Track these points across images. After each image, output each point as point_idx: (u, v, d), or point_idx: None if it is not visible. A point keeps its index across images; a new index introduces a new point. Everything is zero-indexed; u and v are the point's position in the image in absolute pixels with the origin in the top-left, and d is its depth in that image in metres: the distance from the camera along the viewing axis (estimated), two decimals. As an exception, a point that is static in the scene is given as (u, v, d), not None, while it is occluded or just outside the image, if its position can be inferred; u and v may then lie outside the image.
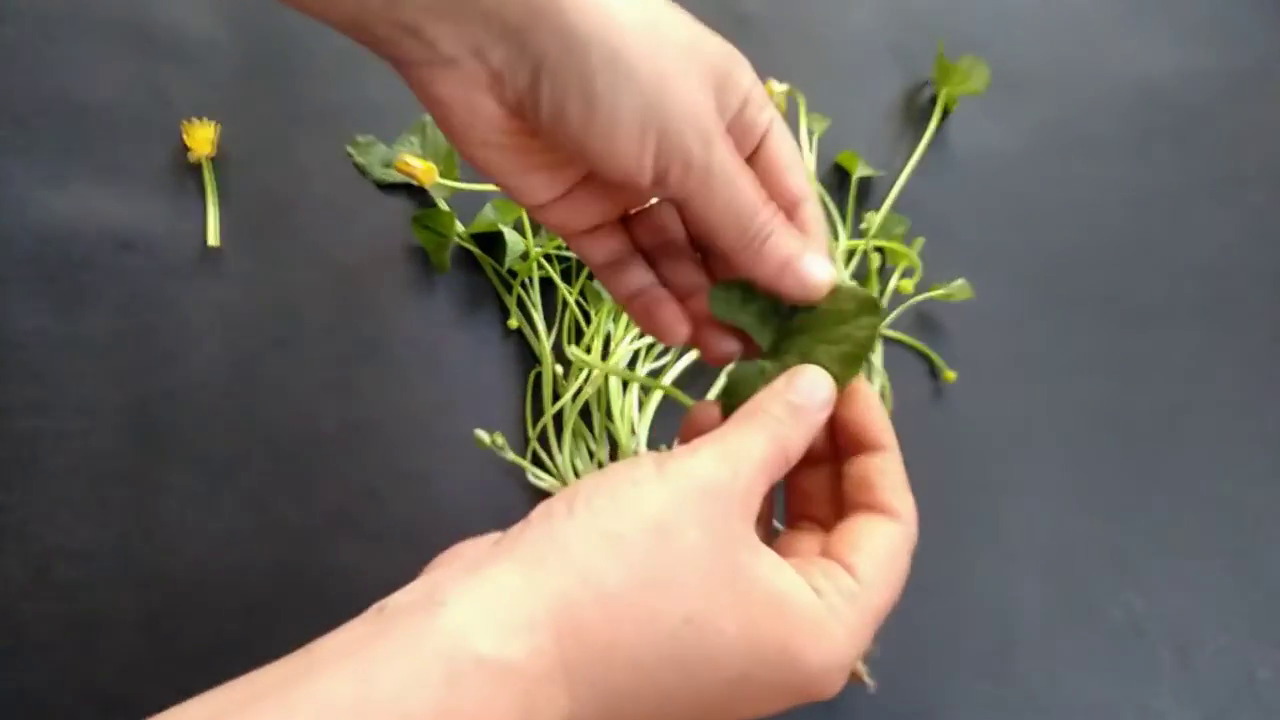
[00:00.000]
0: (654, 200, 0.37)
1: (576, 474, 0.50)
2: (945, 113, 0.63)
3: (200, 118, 0.55)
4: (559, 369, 0.52)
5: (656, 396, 0.52)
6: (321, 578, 0.48)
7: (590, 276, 0.55)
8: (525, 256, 0.54)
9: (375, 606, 0.26)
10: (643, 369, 0.52)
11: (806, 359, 0.33)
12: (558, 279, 0.54)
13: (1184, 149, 0.65)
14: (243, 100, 0.57)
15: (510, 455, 0.49)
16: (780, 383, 0.32)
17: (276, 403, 0.51)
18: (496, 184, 0.34)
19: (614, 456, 0.50)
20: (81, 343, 0.51)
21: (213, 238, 0.54)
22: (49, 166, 0.54)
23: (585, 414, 0.51)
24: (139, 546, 0.47)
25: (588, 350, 0.52)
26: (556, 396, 0.51)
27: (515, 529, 0.28)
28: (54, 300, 0.51)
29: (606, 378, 0.51)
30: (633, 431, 0.50)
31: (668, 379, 0.52)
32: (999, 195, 0.62)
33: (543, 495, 0.50)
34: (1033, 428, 0.55)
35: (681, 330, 0.36)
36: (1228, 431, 0.56)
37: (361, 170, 0.57)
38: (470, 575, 0.26)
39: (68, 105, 0.56)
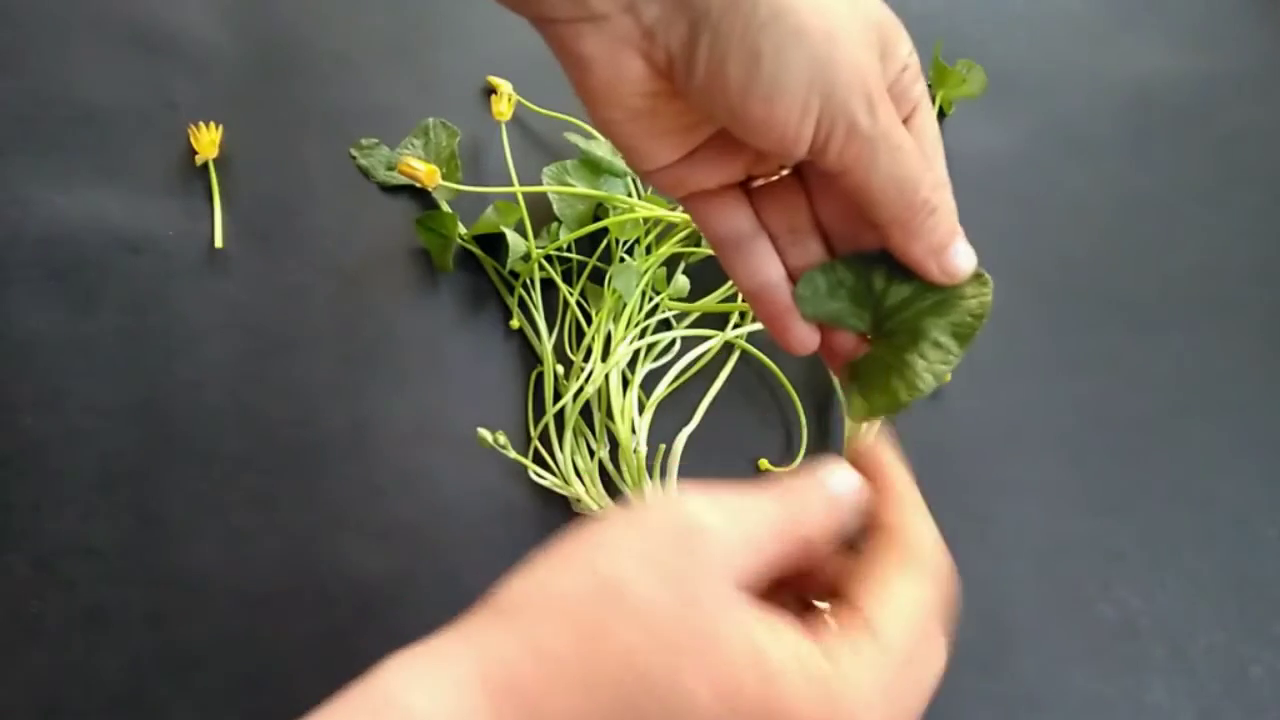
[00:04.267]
0: (783, 172, 0.34)
1: (578, 472, 0.50)
2: (942, 115, 0.63)
3: (206, 121, 0.56)
4: (560, 369, 0.53)
5: (657, 396, 0.52)
6: (325, 575, 0.48)
7: (592, 277, 0.55)
8: (527, 258, 0.54)
9: None
10: (643, 369, 0.53)
11: (917, 336, 0.32)
12: (559, 280, 0.54)
13: (1179, 151, 0.65)
14: (247, 104, 0.58)
15: (512, 454, 0.50)
16: (817, 469, 0.29)
17: (281, 402, 0.51)
18: (617, 146, 0.32)
19: (614, 455, 0.51)
20: (88, 343, 0.51)
21: (218, 239, 0.54)
22: (56, 169, 0.55)
23: (586, 413, 0.52)
24: (145, 544, 0.48)
25: (589, 351, 0.52)
26: (558, 396, 0.52)
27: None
28: (61, 301, 0.52)
29: (606, 377, 0.51)
30: (633, 430, 0.51)
31: (668, 377, 0.53)
32: (995, 197, 0.62)
33: (545, 493, 0.50)
34: (1028, 427, 0.55)
35: (813, 341, 0.34)
36: (1221, 431, 0.56)
37: (365, 173, 0.58)
38: (416, 646, 0.25)
39: (74, 108, 0.56)
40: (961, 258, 0.32)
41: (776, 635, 0.25)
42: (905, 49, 0.30)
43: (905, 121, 0.32)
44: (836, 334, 0.35)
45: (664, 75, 0.29)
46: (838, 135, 0.29)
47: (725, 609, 0.25)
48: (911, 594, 0.27)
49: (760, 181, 0.35)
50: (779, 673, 0.24)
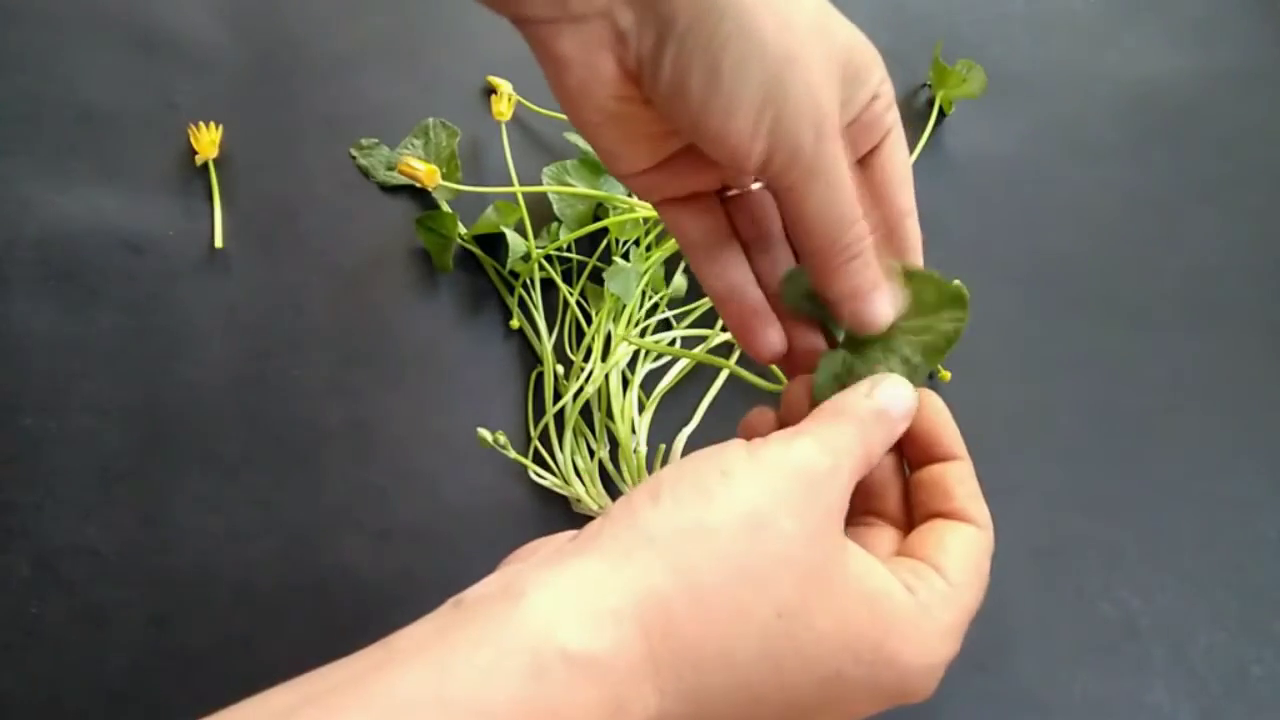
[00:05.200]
0: (755, 185, 0.35)
1: (578, 472, 0.50)
2: (942, 115, 0.63)
3: (206, 121, 0.56)
4: (560, 369, 0.53)
5: (657, 396, 0.52)
6: (326, 575, 0.48)
7: (592, 277, 0.55)
8: (527, 258, 0.54)
9: (451, 601, 0.25)
10: (643, 369, 0.53)
11: (888, 349, 0.32)
12: (559, 280, 0.54)
13: (1179, 150, 0.65)
14: (247, 104, 0.58)
15: (512, 454, 0.50)
16: (864, 386, 0.31)
17: (281, 402, 0.51)
18: (594, 148, 0.33)
19: (614, 455, 0.51)
20: (89, 343, 0.51)
21: (218, 239, 0.54)
22: (56, 169, 0.55)
23: (586, 413, 0.52)
24: (145, 544, 0.48)
25: (589, 351, 0.52)
26: (558, 396, 0.52)
27: (595, 523, 0.26)
28: (61, 301, 0.52)
29: (606, 377, 0.51)
30: (633, 430, 0.51)
31: (667, 378, 0.53)
32: (995, 197, 0.62)
33: (545, 493, 0.51)
34: (1027, 426, 0.55)
35: (777, 345, 0.35)
36: (1221, 430, 0.56)
37: (365, 173, 0.58)
38: (551, 566, 0.25)
39: (75, 108, 0.56)
40: (877, 307, 0.32)
41: (872, 568, 0.28)
42: (877, 77, 0.31)
43: (876, 148, 0.32)
44: (800, 344, 0.35)
45: (635, 81, 0.30)
46: (782, 155, 0.29)
47: (839, 546, 0.27)
48: (969, 543, 0.31)
49: (734, 192, 0.35)
50: (881, 603, 0.27)
